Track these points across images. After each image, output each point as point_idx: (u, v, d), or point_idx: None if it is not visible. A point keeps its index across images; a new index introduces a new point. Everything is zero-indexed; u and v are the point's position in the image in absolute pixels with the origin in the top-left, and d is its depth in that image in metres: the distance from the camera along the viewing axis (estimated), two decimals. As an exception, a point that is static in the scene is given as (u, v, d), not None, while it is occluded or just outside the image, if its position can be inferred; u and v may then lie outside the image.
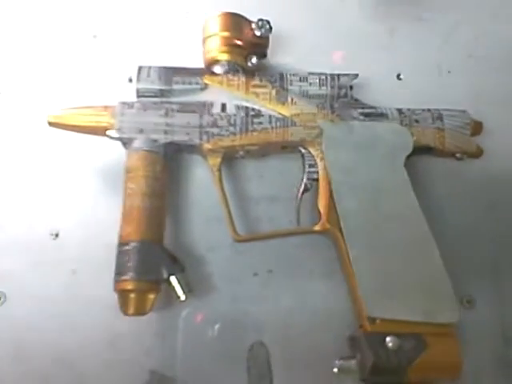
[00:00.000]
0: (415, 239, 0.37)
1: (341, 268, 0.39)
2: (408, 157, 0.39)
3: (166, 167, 0.38)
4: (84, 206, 0.42)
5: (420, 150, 0.40)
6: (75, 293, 0.39)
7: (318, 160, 0.39)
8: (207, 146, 0.39)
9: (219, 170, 0.39)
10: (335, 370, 0.36)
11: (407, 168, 0.39)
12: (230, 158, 0.41)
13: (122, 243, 0.37)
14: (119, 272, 0.36)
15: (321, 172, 0.39)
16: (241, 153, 0.40)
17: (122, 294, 0.36)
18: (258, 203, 0.41)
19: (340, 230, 0.37)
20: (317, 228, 0.38)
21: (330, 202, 0.38)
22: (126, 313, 0.36)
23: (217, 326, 0.39)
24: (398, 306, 0.35)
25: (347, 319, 0.38)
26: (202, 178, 0.41)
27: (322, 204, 0.39)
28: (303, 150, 0.40)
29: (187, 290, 0.37)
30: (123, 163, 0.38)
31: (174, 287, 0.37)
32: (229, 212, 0.38)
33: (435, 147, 0.41)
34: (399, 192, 0.38)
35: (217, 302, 0.39)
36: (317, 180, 0.39)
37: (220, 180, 0.39)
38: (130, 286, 0.35)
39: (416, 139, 0.40)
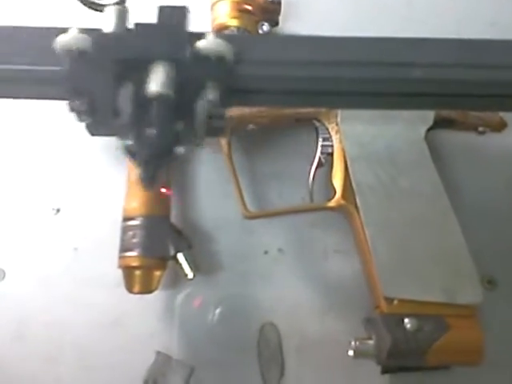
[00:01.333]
0: (435, 215, 0.36)
1: (356, 246, 0.38)
2: (428, 130, 0.38)
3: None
4: (87, 179, 0.40)
5: (441, 123, 0.39)
6: (77, 271, 0.38)
7: (332, 133, 0.38)
8: None
9: (229, 144, 0.38)
10: (350, 352, 0.34)
11: (427, 142, 0.37)
12: (239, 132, 0.39)
13: (126, 218, 0.36)
14: (124, 248, 0.35)
15: (336, 146, 0.38)
16: (251, 126, 0.39)
17: (127, 271, 0.35)
18: (269, 179, 0.40)
19: (355, 206, 0.36)
20: (331, 204, 0.37)
21: (345, 177, 0.37)
22: (131, 291, 0.35)
23: (225, 306, 0.38)
24: (417, 286, 0.34)
25: (363, 300, 0.37)
26: (210, 151, 0.40)
27: (336, 179, 0.37)
28: (317, 123, 0.39)
29: (194, 267, 0.37)
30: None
31: (181, 264, 0.36)
32: (239, 187, 0.37)
33: (457, 120, 0.40)
34: (419, 166, 0.36)
35: (225, 280, 0.38)
36: (331, 154, 0.38)
37: (230, 154, 0.38)
38: (135, 263, 0.35)
39: (437, 112, 0.38)
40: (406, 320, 0.33)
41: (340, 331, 0.37)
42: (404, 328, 0.33)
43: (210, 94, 0.22)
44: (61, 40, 0.22)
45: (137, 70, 0.22)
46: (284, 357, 0.37)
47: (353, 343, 0.34)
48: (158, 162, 0.23)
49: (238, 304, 0.38)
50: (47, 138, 0.41)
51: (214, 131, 0.24)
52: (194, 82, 0.22)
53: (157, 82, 0.21)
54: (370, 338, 0.34)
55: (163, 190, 0.36)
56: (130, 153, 0.23)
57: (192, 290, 0.38)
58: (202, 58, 0.22)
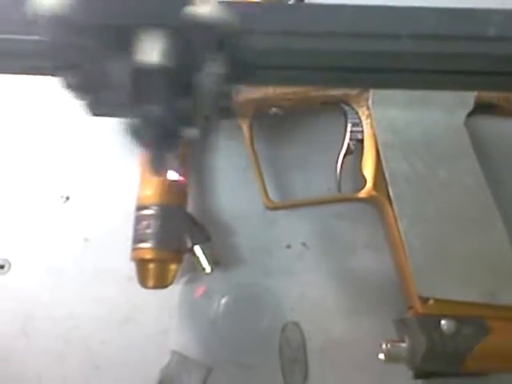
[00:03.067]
0: (476, 209, 0.34)
1: (387, 241, 0.36)
2: (468, 115, 0.36)
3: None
4: (98, 165, 0.39)
5: (482, 108, 0.37)
6: (87, 263, 0.37)
7: (363, 118, 0.36)
8: (238, 99, 0.36)
9: (250, 128, 0.37)
10: (381, 356, 0.32)
11: (467, 129, 0.35)
12: (261, 117, 0.38)
13: (140, 207, 0.35)
14: (137, 239, 0.34)
15: (366, 132, 0.36)
16: (274, 109, 0.37)
17: (141, 264, 0.35)
18: (294, 167, 0.39)
19: (388, 197, 0.34)
20: (361, 195, 0.35)
21: (376, 166, 0.35)
22: (144, 285, 0.34)
23: (245, 304, 0.37)
24: (455, 285, 0.32)
25: (394, 299, 0.35)
26: (229, 138, 0.39)
27: (367, 168, 0.36)
28: (346, 107, 0.37)
29: (213, 261, 0.36)
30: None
31: (198, 258, 0.36)
32: (261, 175, 0.36)
33: (499, 105, 0.38)
34: (458, 155, 0.34)
35: (245, 275, 0.37)
36: (361, 141, 0.36)
37: (251, 139, 0.37)
38: (149, 255, 0.34)
39: (478, 95, 0.36)
40: (443, 322, 0.31)
41: (368, 332, 0.36)
42: (441, 330, 0.31)
43: (215, 68, 0.21)
44: (38, 5, 0.19)
45: (129, 38, 0.20)
46: (308, 358, 0.36)
47: (384, 346, 0.32)
48: (165, 143, 0.22)
49: (260, 302, 0.37)
50: (55, 122, 0.40)
51: (222, 112, 0.23)
52: (196, 53, 0.20)
53: (155, 51, 0.19)
54: (402, 341, 0.33)
55: (178, 178, 0.36)
56: (134, 134, 0.21)
57: (210, 284, 0.37)
58: (205, 27, 0.20)
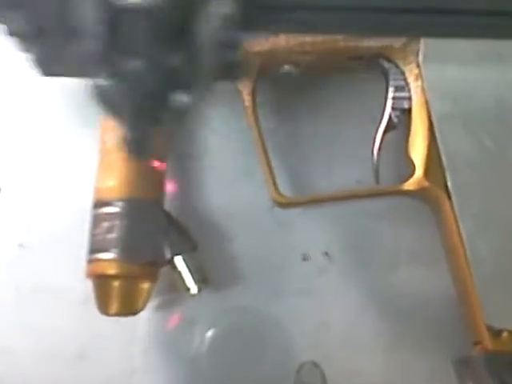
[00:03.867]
0: None
1: (444, 250, 0.36)
2: None
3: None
4: (39, 147, 0.39)
5: None
6: (24, 278, 0.38)
7: (410, 80, 0.36)
8: None
9: (253, 94, 0.36)
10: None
11: None
12: (268, 78, 0.38)
13: (99, 203, 0.35)
14: (95, 248, 0.34)
15: (415, 99, 0.36)
16: (286, 67, 0.37)
17: (100, 283, 0.35)
18: (313, 149, 0.39)
19: (446, 189, 0.34)
20: (407, 187, 0.35)
21: (429, 147, 0.35)
22: (105, 311, 0.34)
23: (245, 336, 0.37)
24: None
25: (453, 331, 0.36)
26: (223, 112, 0.39)
27: (416, 149, 0.36)
28: (386, 65, 0.37)
29: (200, 278, 0.36)
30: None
31: (180, 273, 0.36)
32: (267, 161, 0.36)
33: None
34: None
35: (243, 297, 0.38)
36: (408, 111, 0.36)
37: (254, 110, 0.36)
38: (112, 270, 0.34)
39: None
40: (521, 362, 0.32)
41: (415, 376, 0.37)
42: (517, 374, 0.32)
43: (218, 9, 0.20)
44: None
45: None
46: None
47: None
48: (149, 114, 0.22)
49: (262, 335, 0.37)
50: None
51: (226, 70, 0.22)
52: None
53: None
54: (464, 387, 0.34)
55: (154, 163, 0.36)
56: (105, 101, 0.21)
57: (192, 310, 0.37)
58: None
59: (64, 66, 0.22)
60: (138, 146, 0.22)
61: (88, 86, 0.20)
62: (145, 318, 0.37)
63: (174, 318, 0.37)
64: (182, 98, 0.21)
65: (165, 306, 0.37)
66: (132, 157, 0.23)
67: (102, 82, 0.20)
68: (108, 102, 0.21)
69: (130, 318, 0.34)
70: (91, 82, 0.20)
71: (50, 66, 0.22)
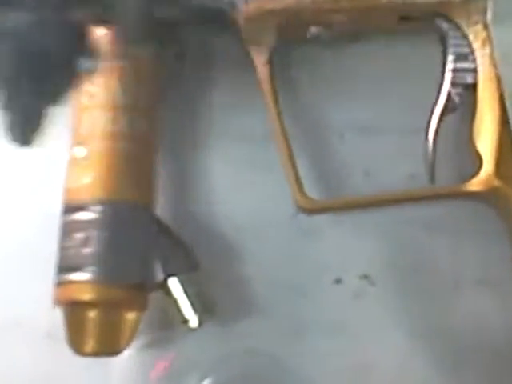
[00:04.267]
0: None
1: None
2: None
3: (160, 68, 0.37)
4: None
5: None
6: None
7: (476, 46, 0.35)
8: (246, 10, 0.35)
9: (269, 66, 0.35)
10: None
11: None
12: (291, 44, 0.37)
13: (71, 207, 0.34)
14: (66, 266, 0.33)
15: (482, 71, 0.35)
16: (313, 29, 0.36)
17: (73, 313, 0.33)
18: (345, 141, 0.38)
19: None
20: (472, 187, 0.34)
21: (501, 134, 0.34)
22: (78, 350, 0.33)
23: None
24: None
25: None
26: (231, 87, 0.38)
27: (483, 138, 0.34)
28: (445, 25, 0.36)
29: (202, 307, 0.35)
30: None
31: (176, 300, 0.34)
32: (289, 153, 0.34)
33: None
34: None
35: (258, 334, 0.36)
36: (473, 87, 0.35)
37: (272, 86, 0.35)
38: (88, 295, 0.33)
39: None
40: None
41: None
42: None
43: None
44: None
45: None
46: None
47: None
48: (43, 83, 0.22)
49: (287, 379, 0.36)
50: None
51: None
52: None
53: None
54: None
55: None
56: None
57: (191, 351, 0.36)
58: None
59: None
60: (20, 129, 0.22)
61: None
62: (124, 360, 0.35)
63: (159, 367, 0.36)
64: (86, 64, 0.22)
65: (153, 345, 0.36)
66: (14, 143, 0.23)
67: None
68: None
69: (112, 361, 0.34)
70: None
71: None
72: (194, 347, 0.36)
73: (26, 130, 0.21)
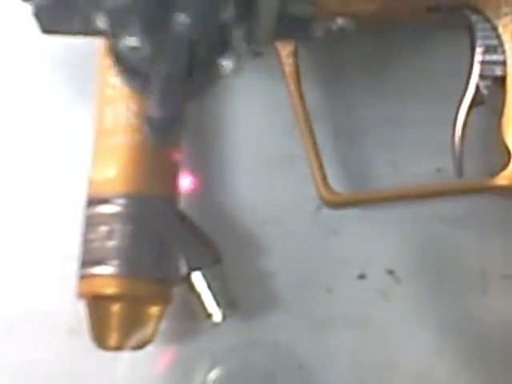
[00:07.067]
0: None
1: None
2: None
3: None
4: (21, 126, 0.39)
5: None
6: None
7: (505, 38, 0.35)
8: None
9: (294, 57, 0.35)
10: None
11: None
12: (317, 34, 0.35)
13: (94, 200, 0.34)
14: (90, 260, 0.34)
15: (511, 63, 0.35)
16: (339, 21, 0.35)
17: (96, 306, 0.34)
18: (371, 133, 0.38)
19: None
20: (501, 181, 0.34)
21: None
22: (102, 344, 0.34)
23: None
24: None
25: None
26: (255, 81, 0.38)
27: None
28: (473, 16, 0.35)
29: (226, 301, 0.35)
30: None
31: (199, 295, 0.35)
32: (314, 146, 0.35)
33: None
34: None
35: (283, 328, 0.37)
36: (502, 80, 0.35)
37: (297, 78, 0.35)
38: (111, 289, 0.33)
39: None
40: None
41: None
42: None
43: None
44: None
45: None
46: None
47: None
48: (187, 84, 0.22)
49: (312, 373, 0.36)
50: None
51: (291, 24, 0.25)
52: None
53: None
54: None
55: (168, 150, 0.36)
56: (130, 64, 0.22)
57: (219, 343, 0.36)
58: None
59: (76, 17, 0.23)
60: (164, 129, 0.22)
61: (109, 46, 0.21)
62: (147, 354, 0.35)
63: (165, 358, 0.37)
64: (227, 65, 0.22)
65: (177, 339, 0.36)
66: (155, 143, 0.23)
67: (131, 41, 0.21)
68: (135, 66, 0.21)
69: (137, 355, 0.34)
70: (117, 42, 0.21)
71: (58, 18, 0.23)
72: (217, 342, 0.36)
73: (169, 129, 0.22)
